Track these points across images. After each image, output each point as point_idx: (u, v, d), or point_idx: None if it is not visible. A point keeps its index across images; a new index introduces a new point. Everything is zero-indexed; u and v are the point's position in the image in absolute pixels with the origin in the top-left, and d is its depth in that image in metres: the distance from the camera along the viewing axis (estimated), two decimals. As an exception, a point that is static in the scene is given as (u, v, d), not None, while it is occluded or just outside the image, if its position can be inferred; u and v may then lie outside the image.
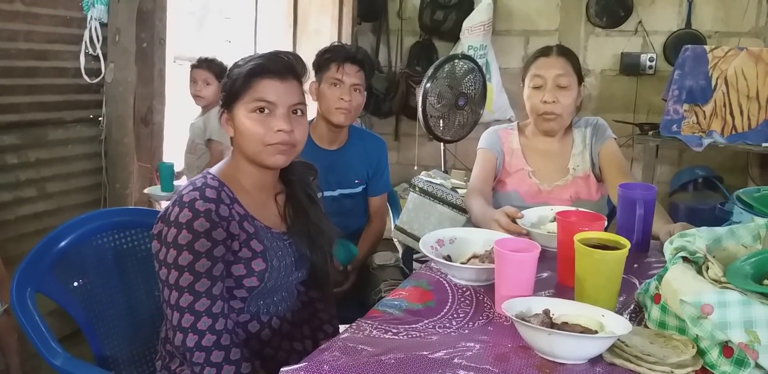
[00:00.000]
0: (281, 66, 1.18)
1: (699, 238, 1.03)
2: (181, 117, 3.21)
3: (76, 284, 1.39)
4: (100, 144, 2.77)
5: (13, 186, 2.41)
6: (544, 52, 1.75)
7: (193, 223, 1.08)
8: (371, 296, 1.86)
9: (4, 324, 2.08)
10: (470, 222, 2.09)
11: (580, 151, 1.77)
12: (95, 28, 2.58)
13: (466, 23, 3.55)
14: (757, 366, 0.85)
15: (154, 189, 2.77)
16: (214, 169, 1.23)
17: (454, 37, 3.68)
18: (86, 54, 2.57)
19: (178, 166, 2.85)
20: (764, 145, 2.81)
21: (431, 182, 2.04)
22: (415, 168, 3.76)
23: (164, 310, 1.12)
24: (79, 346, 1.41)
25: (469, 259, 1.18)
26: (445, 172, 3.46)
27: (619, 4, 3.48)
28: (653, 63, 3.47)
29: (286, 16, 3.49)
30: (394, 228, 2.11)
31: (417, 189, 2.06)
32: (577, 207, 1.55)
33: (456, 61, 3.15)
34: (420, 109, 3.07)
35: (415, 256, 2.26)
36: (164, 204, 2.73)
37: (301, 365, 0.86)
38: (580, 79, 1.73)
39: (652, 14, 3.47)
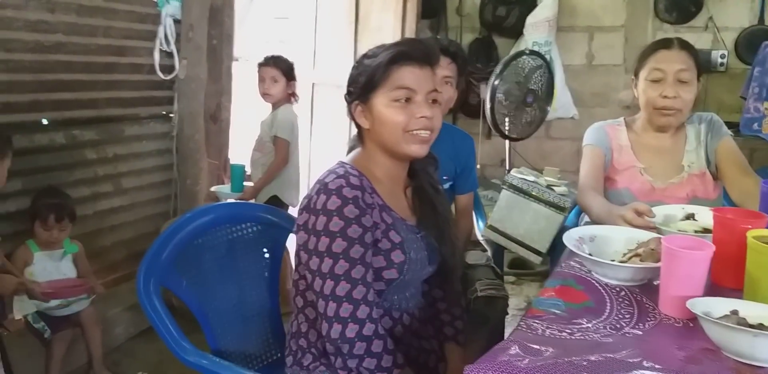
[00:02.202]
0: (421, 52, 1.16)
1: None
2: (238, 115, 3.22)
3: (195, 277, 1.38)
4: (171, 140, 2.78)
5: (92, 181, 2.43)
6: (665, 44, 1.68)
7: (343, 210, 1.06)
8: (468, 296, 1.82)
9: (89, 315, 2.09)
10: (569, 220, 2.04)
11: (693, 148, 1.70)
12: (169, 25, 2.59)
13: (530, 19, 3.49)
14: None
15: (223, 189, 2.76)
16: (347, 159, 1.20)
17: (515, 33, 3.62)
18: (160, 50, 2.58)
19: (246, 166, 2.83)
20: None
21: (525, 179, 2.00)
22: (477, 166, 3.71)
23: (315, 301, 1.10)
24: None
25: (630, 258, 1.13)
26: (509, 171, 3.40)
27: (690, -1, 3.40)
28: (724, 60, 3.38)
29: (348, 14, 3.46)
30: (486, 226, 2.07)
31: (509, 186, 2.02)
32: (694, 205, 1.50)
33: (524, 57, 3.10)
34: (488, 107, 3.03)
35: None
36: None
37: (483, 364, 0.82)
38: (699, 73, 1.67)
39: (723, 10, 3.38)
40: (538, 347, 0.87)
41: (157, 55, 2.56)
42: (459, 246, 1.29)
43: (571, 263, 1.23)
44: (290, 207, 2.74)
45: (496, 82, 3.02)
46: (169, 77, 2.63)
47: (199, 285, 1.38)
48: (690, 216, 1.37)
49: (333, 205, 1.07)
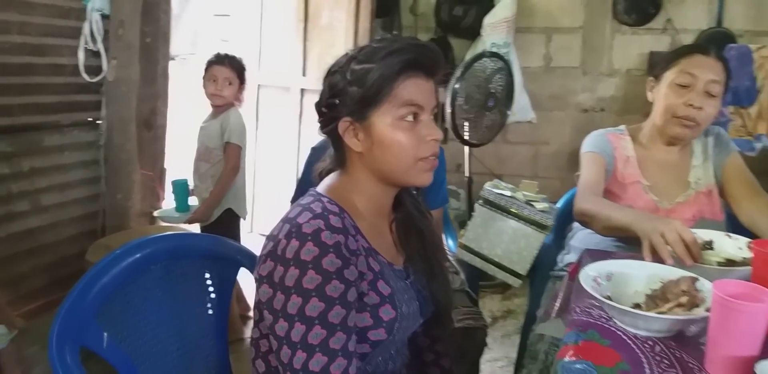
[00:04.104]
0: (430, 61, 0.95)
1: None
2: (176, 120, 2.93)
3: (124, 331, 1.12)
4: (99, 150, 2.48)
5: (5, 199, 2.11)
6: (702, 50, 1.52)
7: (321, 261, 0.84)
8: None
9: (8, 355, 1.78)
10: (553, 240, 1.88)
11: (700, 163, 1.56)
12: (96, 21, 2.30)
13: (488, 19, 3.33)
14: None
15: (167, 212, 2.45)
16: (323, 189, 0.98)
17: (473, 34, 3.45)
18: (86, 49, 2.28)
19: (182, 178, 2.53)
20: (817, 149, 2.68)
21: (502, 195, 1.81)
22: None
23: (280, 372, 0.87)
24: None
25: (671, 308, 0.95)
26: (469, 178, 3.25)
27: (648, 0, 3.31)
28: (682, 62, 3.32)
29: (296, 11, 3.21)
30: (459, 246, 1.88)
31: (485, 201, 1.83)
32: (700, 228, 1.34)
33: (485, 59, 2.94)
34: (449, 111, 2.85)
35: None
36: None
37: None
38: (725, 92, 1.52)
39: (682, 12, 3.31)
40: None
41: (81, 55, 2.26)
42: (449, 277, 1.08)
43: (587, 309, 1.04)
44: (241, 220, 2.49)
45: (457, 86, 2.85)
46: (95, 79, 2.33)
47: (130, 339, 1.13)
48: (707, 244, 1.21)
49: (308, 255, 0.84)
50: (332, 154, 1.03)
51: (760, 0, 3.21)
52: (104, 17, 2.34)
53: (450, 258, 1.97)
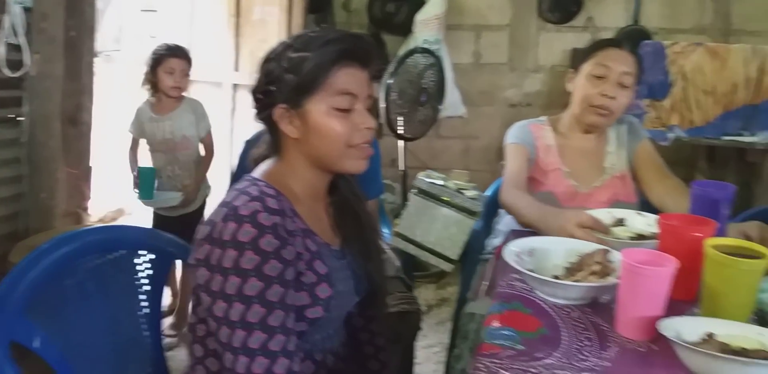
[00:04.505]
0: (364, 51, 0.98)
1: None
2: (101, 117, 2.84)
3: (54, 326, 1.10)
4: (21, 147, 2.38)
5: None
6: (616, 43, 1.62)
7: (259, 241, 0.86)
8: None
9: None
10: (481, 225, 1.95)
11: (615, 149, 1.66)
12: (17, 14, 2.21)
13: (420, 16, 3.40)
14: None
15: (162, 195, 2.50)
16: (259, 174, 1.00)
17: (405, 30, 3.52)
18: (6, 43, 2.19)
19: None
20: (724, 138, 2.88)
21: (434, 183, 1.87)
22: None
23: (220, 353, 0.89)
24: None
25: (586, 276, 1.02)
26: (404, 172, 3.31)
27: (571, -1, 3.47)
28: (603, 59, 3.49)
29: (228, 6, 3.18)
30: (394, 234, 1.92)
31: (419, 191, 1.88)
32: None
33: (417, 55, 3.01)
34: (383, 106, 2.90)
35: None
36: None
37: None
38: (637, 84, 1.63)
39: (602, 10, 3.49)
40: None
41: (2, 49, 2.16)
42: (385, 259, 1.12)
43: (510, 281, 1.10)
44: None
45: (390, 81, 2.90)
46: (17, 74, 2.23)
47: (62, 334, 1.10)
48: (620, 221, 1.30)
49: (246, 236, 0.86)
50: (267, 140, 1.05)
51: (673, 0, 3.42)
52: (26, 10, 2.25)
53: (386, 246, 2.02)
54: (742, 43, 3.04)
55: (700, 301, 0.96)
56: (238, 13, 3.17)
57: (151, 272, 1.28)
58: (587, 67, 1.59)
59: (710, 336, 0.81)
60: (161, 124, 2.50)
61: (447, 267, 1.92)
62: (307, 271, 0.93)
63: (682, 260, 0.97)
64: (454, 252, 1.88)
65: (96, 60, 2.62)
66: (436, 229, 1.89)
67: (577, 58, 1.67)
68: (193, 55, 2.53)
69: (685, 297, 1.00)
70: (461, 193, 1.88)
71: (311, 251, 0.95)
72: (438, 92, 3.18)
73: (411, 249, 1.91)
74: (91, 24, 2.52)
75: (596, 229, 1.20)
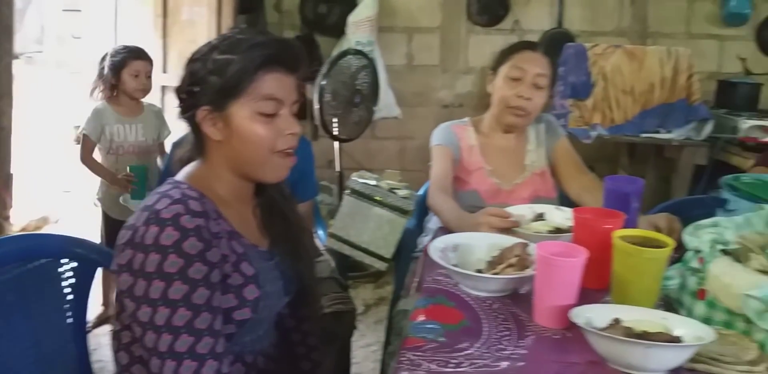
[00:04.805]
0: (291, 57, 0.98)
1: (726, 229, 1.01)
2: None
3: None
4: (-68, 154, 2.26)
5: None
6: (530, 46, 1.69)
7: (182, 244, 0.85)
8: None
9: None
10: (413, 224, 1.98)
11: (534, 148, 1.73)
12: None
13: (352, 18, 3.42)
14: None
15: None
16: (182, 177, 0.99)
17: (338, 32, 3.53)
18: None
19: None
20: (642, 135, 3.03)
21: (367, 184, 1.89)
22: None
23: (146, 359, 0.88)
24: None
25: (504, 269, 1.06)
26: (340, 173, 3.32)
27: (498, 2, 3.56)
28: (529, 61, 3.61)
29: (154, 6, 3.11)
30: (328, 235, 1.93)
31: (352, 192, 1.90)
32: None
33: (349, 56, 3.03)
34: (317, 108, 2.91)
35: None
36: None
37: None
38: (552, 85, 1.70)
39: (528, 14, 3.60)
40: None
41: None
42: (315, 259, 1.13)
43: (436, 276, 1.14)
44: None
45: (323, 82, 2.91)
46: (-76, 76, 2.12)
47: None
48: (539, 216, 1.36)
49: (168, 240, 0.85)
50: (192, 141, 1.04)
51: (593, 3, 3.57)
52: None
53: (321, 247, 2.03)
54: (658, 45, 3.22)
55: (611, 289, 1.01)
56: (165, 14, 3.11)
57: (74, 281, 1.24)
58: (504, 70, 1.66)
59: (617, 321, 0.86)
60: (133, 127, 2.44)
61: (381, 265, 1.95)
62: (233, 273, 0.93)
63: (595, 251, 1.03)
64: (388, 251, 1.91)
65: (16, 62, 2.52)
66: (370, 229, 1.91)
67: (496, 60, 1.73)
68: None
69: (599, 286, 1.05)
70: (393, 193, 1.91)
71: (237, 253, 0.95)
72: (372, 93, 3.21)
73: (346, 250, 1.93)
74: (9, 24, 2.41)
75: (503, 217, 1.26)
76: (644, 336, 0.82)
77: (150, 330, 0.86)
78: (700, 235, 1.01)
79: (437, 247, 1.12)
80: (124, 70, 2.35)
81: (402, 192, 1.91)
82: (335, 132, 3.07)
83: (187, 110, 0.99)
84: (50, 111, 3.62)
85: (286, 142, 0.98)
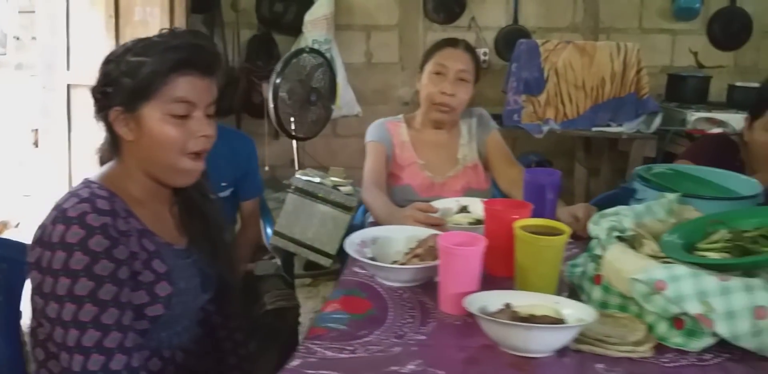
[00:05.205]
0: (205, 61, 1.00)
1: (624, 217, 1.05)
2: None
3: None
4: None
5: None
6: (452, 43, 1.73)
7: (88, 242, 0.87)
8: (256, 311, 1.70)
9: None
10: (355, 220, 2.01)
11: (467, 142, 1.77)
12: None
13: (308, 16, 3.43)
14: (713, 334, 0.87)
15: None
16: (96, 177, 1.00)
17: (295, 30, 3.54)
18: None
19: None
20: (593, 129, 3.09)
21: (311, 181, 1.92)
22: (266, 168, 3.58)
23: (58, 355, 0.89)
24: None
25: (409, 259, 1.09)
26: (298, 169, 3.33)
27: (454, 0, 3.60)
28: (486, 57, 3.65)
29: (106, 6, 3.09)
30: (273, 233, 1.95)
31: (295, 189, 1.92)
32: (469, 196, 1.55)
33: (304, 54, 3.04)
34: (272, 106, 2.92)
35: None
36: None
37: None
38: (477, 78, 1.74)
39: (484, 11, 3.64)
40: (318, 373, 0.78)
41: None
42: (237, 258, 1.15)
43: (354, 269, 1.16)
44: None
45: (278, 81, 2.92)
46: None
47: None
48: (464, 209, 1.40)
49: (74, 238, 0.87)
50: (107, 141, 1.05)
51: (548, 1, 3.63)
52: None
53: (267, 245, 2.05)
54: (610, 40, 3.28)
55: (515, 276, 1.05)
56: (117, 14, 3.09)
57: (2, 283, 1.25)
58: (428, 67, 1.70)
59: (507, 306, 0.90)
60: None
61: (326, 262, 1.98)
62: (144, 270, 0.95)
63: (504, 241, 1.07)
64: (333, 248, 1.94)
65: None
66: (314, 226, 1.94)
67: (422, 59, 1.77)
68: (71, 59, 2.45)
69: (507, 274, 1.09)
70: (337, 189, 1.94)
71: (149, 251, 0.97)
72: (329, 92, 3.23)
73: (290, 247, 1.96)
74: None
75: (429, 211, 1.30)
76: (529, 319, 0.85)
77: (58, 325, 0.88)
78: (601, 223, 1.05)
79: (354, 241, 1.15)
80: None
81: (345, 189, 1.94)
82: (292, 131, 3.08)
83: (101, 110, 1.00)
84: (8, 114, 3.59)
85: (198, 143, 1.00)
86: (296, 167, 3.37)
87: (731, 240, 0.98)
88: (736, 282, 0.88)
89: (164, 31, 1.52)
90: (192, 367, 1.09)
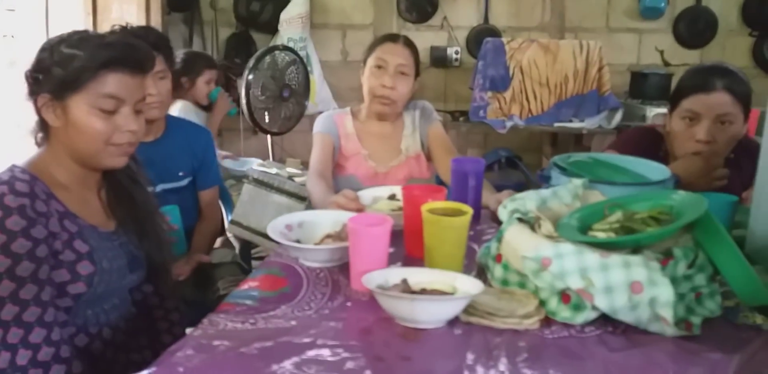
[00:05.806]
0: (135, 60, 1.06)
1: (529, 200, 1.12)
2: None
3: None
4: None
5: None
6: (392, 38, 1.80)
7: (5, 221, 0.94)
8: (210, 296, 1.77)
9: None
10: (311, 209, 2.08)
11: (410, 133, 1.84)
12: None
13: (284, 15, 3.52)
14: (594, 308, 0.94)
15: None
16: (23, 162, 1.07)
17: (272, 28, 3.62)
18: None
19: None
20: (556, 125, 3.17)
21: (266, 172, 1.99)
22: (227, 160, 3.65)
23: None
24: None
25: (322, 240, 1.16)
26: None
27: (427, 0, 3.68)
28: (458, 56, 3.73)
29: (84, 5, 3.16)
30: (230, 222, 2.03)
31: (251, 180, 2.00)
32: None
33: (277, 52, 3.11)
34: (244, 102, 2.99)
35: (253, 251, 2.19)
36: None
37: (150, 370, 0.78)
38: (417, 73, 1.81)
39: (455, 10, 3.73)
40: (213, 343, 0.85)
41: None
42: (165, 238, 1.21)
43: (280, 251, 1.24)
44: None
45: (250, 77, 2.99)
46: None
47: None
48: (392, 196, 1.47)
49: None
50: (37, 125, 1.10)
51: (518, 1, 3.70)
52: None
53: (228, 234, 2.12)
54: (579, 39, 3.36)
55: (424, 256, 1.12)
56: (95, 12, 3.17)
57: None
58: (370, 61, 1.77)
59: (404, 281, 0.97)
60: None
61: (282, 250, 2.04)
62: (65, 250, 1.01)
63: (418, 223, 1.14)
64: (287, 237, 2.01)
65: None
66: (269, 215, 2.00)
67: (364, 54, 1.84)
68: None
69: (421, 255, 1.16)
70: (292, 180, 2.02)
71: (70, 231, 1.03)
72: (303, 88, 3.30)
73: (246, 236, 2.03)
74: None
75: (351, 199, 1.37)
76: (419, 292, 0.93)
77: None
78: (508, 206, 1.12)
79: (278, 225, 1.22)
80: (200, 78, 2.59)
81: (300, 179, 2.02)
82: (266, 126, 3.15)
83: (31, 94, 1.07)
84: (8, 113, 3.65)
85: (123, 137, 1.06)
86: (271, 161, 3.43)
87: (622, 222, 1.05)
88: (615, 258, 0.95)
89: (116, 27, 1.58)
90: (122, 344, 1.15)
